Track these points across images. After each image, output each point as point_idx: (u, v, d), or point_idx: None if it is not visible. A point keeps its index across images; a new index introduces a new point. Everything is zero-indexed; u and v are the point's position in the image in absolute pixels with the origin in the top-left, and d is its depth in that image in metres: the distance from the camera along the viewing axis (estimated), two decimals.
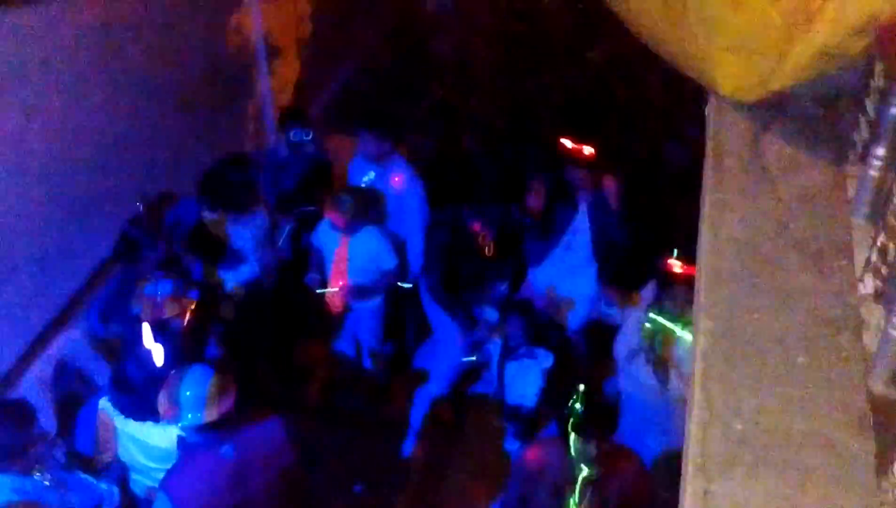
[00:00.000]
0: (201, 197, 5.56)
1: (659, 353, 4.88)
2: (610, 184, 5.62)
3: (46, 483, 3.96)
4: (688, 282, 4.67)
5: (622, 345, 5.12)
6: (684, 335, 4.77)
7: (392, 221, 6.00)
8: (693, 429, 2.11)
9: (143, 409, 4.34)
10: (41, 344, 5.06)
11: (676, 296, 4.80)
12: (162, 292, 4.61)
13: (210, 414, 3.85)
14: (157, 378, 4.17)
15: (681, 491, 2.06)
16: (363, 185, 5.94)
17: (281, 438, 4.11)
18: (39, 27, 4.76)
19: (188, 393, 3.86)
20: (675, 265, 4.79)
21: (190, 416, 3.86)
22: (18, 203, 4.78)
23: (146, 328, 4.42)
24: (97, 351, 5.09)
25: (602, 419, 4.19)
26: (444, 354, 6.08)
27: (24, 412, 4.01)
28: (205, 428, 3.89)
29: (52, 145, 4.98)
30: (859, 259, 2.48)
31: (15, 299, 4.88)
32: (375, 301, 6.05)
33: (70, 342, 5.07)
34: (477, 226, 5.64)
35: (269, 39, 7.31)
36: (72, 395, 4.94)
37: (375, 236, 5.85)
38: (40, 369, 4.90)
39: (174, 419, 3.91)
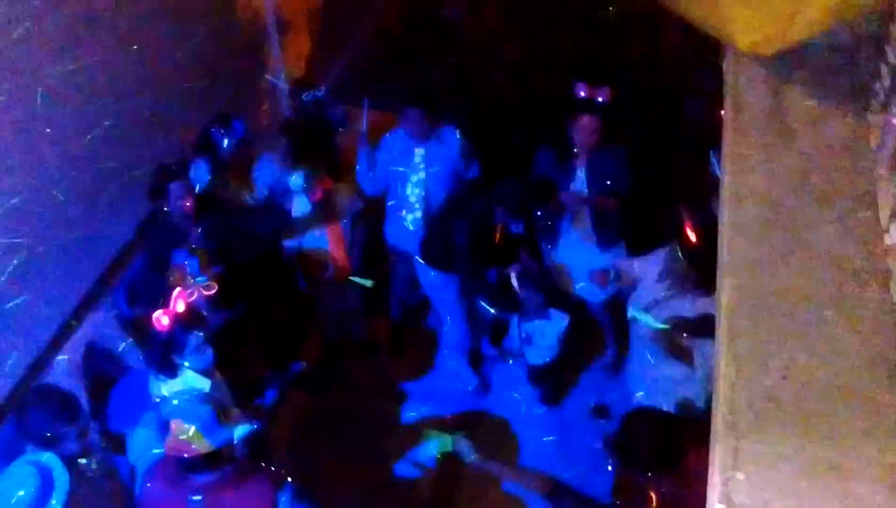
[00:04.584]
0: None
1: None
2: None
3: (93, 468, 4.04)
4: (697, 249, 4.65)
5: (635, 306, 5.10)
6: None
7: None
8: (721, 386, 2.11)
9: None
10: (70, 327, 5.12)
11: (685, 261, 4.74)
12: (177, 263, 4.68)
13: (163, 444, 3.91)
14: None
15: (711, 449, 2.07)
16: (415, 164, 5.82)
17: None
18: (56, 4, 4.79)
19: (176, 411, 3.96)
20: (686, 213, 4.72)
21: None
22: (41, 187, 4.82)
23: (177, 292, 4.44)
24: (126, 332, 5.14)
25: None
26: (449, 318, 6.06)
27: (64, 400, 4.05)
28: (181, 467, 3.89)
29: (72, 128, 5.01)
30: (884, 210, 2.46)
31: (42, 284, 4.93)
32: None
33: (98, 324, 5.12)
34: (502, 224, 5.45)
35: (280, 12, 7.28)
36: (103, 376, 5.00)
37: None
38: (71, 351, 4.96)
39: None
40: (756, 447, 1.96)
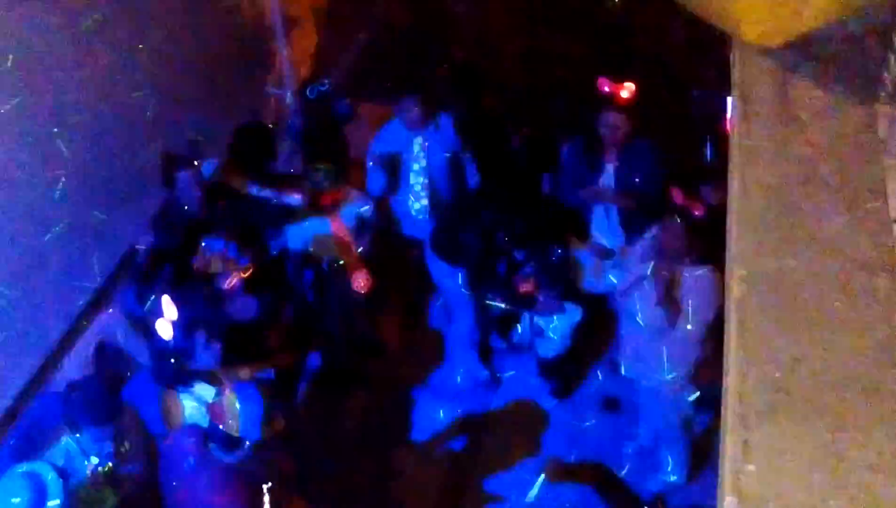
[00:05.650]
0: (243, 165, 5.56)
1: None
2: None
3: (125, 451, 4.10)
4: (687, 214, 4.66)
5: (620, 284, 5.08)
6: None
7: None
8: (731, 379, 2.11)
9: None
10: (81, 326, 5.14)
11: (676, 230, 4.73)
12: (213, 250, 4.68)
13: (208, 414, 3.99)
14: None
15: (720, 441, 2.06)
16: (416, 153, 5.80)
17: None
18: (68, 6, 4.81)
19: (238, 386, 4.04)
20: (677, 194, 4.71)
21: None
22: (52, 186, 4.85)
23: (166, 300, 4.45)
24: (135, 330, 5.16)
25: None
26: (456, 308, 6.05)
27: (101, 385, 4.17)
28: (204, 431, 3.98)
29: (83, 128, 5.03)
30: (892, 200, 2.45)
31: (53, 282, 4.95)
32: None
33: (108, 322, 5.14)
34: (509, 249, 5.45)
35: (285, 10, 7.29)
36: (113, 375, 5.01)
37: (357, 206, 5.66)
38: (81, 350, 4.98)
39: None
40: (766, 438, 1.96)
